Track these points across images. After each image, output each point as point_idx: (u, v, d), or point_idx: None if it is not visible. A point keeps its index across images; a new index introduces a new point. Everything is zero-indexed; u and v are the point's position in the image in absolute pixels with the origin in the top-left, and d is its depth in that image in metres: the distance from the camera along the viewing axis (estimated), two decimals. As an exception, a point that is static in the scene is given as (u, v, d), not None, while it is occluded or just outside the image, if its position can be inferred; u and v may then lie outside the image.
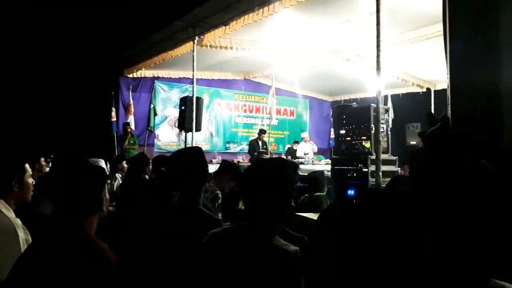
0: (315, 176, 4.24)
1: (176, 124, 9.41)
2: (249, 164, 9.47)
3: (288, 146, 11.75)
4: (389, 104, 10.07)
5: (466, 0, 2.40)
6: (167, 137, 10.99)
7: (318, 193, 3.99)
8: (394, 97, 10.58)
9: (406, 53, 7.90)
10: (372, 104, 5.32)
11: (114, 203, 3.58)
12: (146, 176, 3.80)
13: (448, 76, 2.53)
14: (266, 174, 1.55)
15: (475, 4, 2.33)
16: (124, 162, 6.00)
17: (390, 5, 5.50)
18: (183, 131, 8.45)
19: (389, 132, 5.85)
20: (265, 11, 6.04)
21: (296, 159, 10.04)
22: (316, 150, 10.95)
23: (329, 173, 6.01)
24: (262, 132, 10.29)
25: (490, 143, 2.21)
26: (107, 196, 1.62)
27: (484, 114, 2.24)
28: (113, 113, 10.29)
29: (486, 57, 2.30)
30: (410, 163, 2.23)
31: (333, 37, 7.74)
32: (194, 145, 8.16)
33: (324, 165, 8.51)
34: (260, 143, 10.08)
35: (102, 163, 3.01)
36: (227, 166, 3.69)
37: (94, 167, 1.73)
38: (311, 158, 10.11)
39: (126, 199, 3.42)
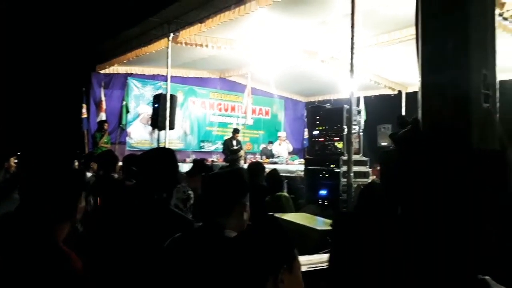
0: (271, 175, 4.19)
1: (149, 122, 9.25)
2: (224, 163, 9.46)
3: (262, 146, 11.76)
4: (362, 106, 10.23)
5: (437, 4, 2.44)
6: (140, 135, 10.79)
7: (279, 193, 3.96)
8: (367, 99, 10.75)
9: (380, 55, 8.04)
10: (345, 106, 5.39)
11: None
12: (115, 175, 3.71)
13: (420, 78, 2.57)
14: (216, 180, 1.67)
15: (447, 8, 2.37)
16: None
17: (365, 7, 5.58)
18: (156, 129, 8.31)
19: (361, 133, 5.95)
20: (241, 10, 6.01)
21: (271, 159, 10.07)
22: (291, 149, 11.00)
23: (303, 173, 6.04)
24: (236, 131, 10.26)
25: (459, 145, 2.26)
26: (83, 203, 1.56)
27: (453, 116, 2.28)
28: (84, 110, 10.02)
29: (456, 60, 2.34)
30: (382, 165, 2.26)
31: (308, 38, 7.79)
32: (167, 143, 8.05)
33: (297, 165, 8.56)
34: (234, 142, 10.04)
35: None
36: (199, 166, 3.65)
37: (74, 171, 1.66)
38: (285, 158, 10.15)
39: (94, 199, 3.32)
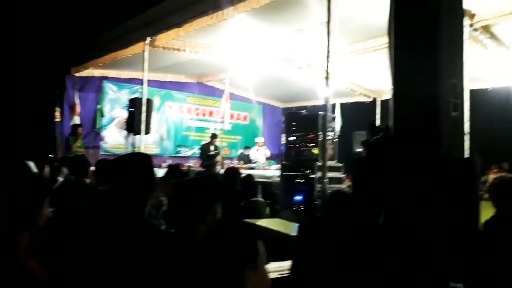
0: (246, 180, 4.15)
1: (125, 126, 9.10)
2: (200, 168, 9.39)
3: (240, 151, 11.74)
4: (338, 112, 10.36)
5: (409, 15, 2.51)
6: (115, 139, 10.59)
7: (254, 199, 3.94)
8: (343, 106, 10.91)
9: (355, 63, 8.18)
10: (320, 112, 5.45)
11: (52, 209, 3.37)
12: (87, 180, 3.62)
13: (392, 87, 2.63)
14: (189, 187, 1.69)
15: (418, 20, 2.44)
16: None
17: (341, 16, 5.67)
18: (131, 133, 8.19)
19: (337, 140, 6.02)
20: (219, 16, 6.01)
21: (248, 164, 10.06)
22: (268, 155, 11.01)
23: (279, 179, 6.06)
24: (214, 136, 10.22)
25: (429, 152, 2.31)
26: (47, 210, 1.50)
27: (423, 124, 2.33)
28: (57, 113, 9.78)
29: (426, 69, 2.41)
30: (354, 171, 2.28)
31: (285, 45, 7.86)
32: (143, 148, 7.95)
33: (274, 171, 8.58)
34: (212, 147, 9.99)
35: (31, 165, 2.81)
36: (174, 171, 3.60)
37: (36, 177, 1.60)
38: (262, 163, 10.17)
39: (64, 205, 3.22)
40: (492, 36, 6.40)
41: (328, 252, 1.28)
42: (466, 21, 5.91)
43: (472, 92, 6.41)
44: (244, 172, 5.55)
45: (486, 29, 6.20)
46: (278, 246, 2.69)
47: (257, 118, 13.54)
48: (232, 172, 4.29)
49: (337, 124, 10.11)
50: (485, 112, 8.10)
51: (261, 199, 3.99)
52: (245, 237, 1.17)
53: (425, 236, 2.02)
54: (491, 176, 7.85)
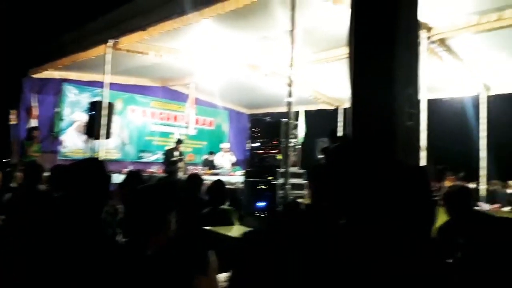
0: (215, 187, 3.93)
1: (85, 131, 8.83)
2: (163, 174, 9.23)
3: (204, 156, 11.65)
4: (302, 120, 10.50)
5: (367, 28, 2.59)
6: (74, 143, 10.25)
7: (223, 207, 3.81)
8: (308, 113, 11.06)
9: (319, 71, 8.34)
10: (282, 119, 5.50)
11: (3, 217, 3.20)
12: (41, 186, 3.48)
13: (350, 96, 2.69)
14: (144, 196, 1.67)
15: (375, 32, 2.52)
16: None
17: (305, 25, 5.77)
18: (91, 138, 7.95)
19: (300, 147, 6.10)
20: (183, 20, 5.97)
21: (213, 170, 9.99)
22: (234, 160, 10.98)
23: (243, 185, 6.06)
24: (179, 142, 10.09)
25: (385, 160, 2.39)
26: None
27: (379, 133, 2.41)
28: (13, 116, 9.35)
29: (383, 80, 2.49)
30: (311, 178, 2.32)
31: (251, 51, 7.91)
32: (103, 153, 7.74)
33: (239, 177, 8.58)
34: (176, 153, 9.86)
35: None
36: (133, 178, 3.51)
37: None
38: (227, 169, 10.13)
39: (17, 212, 3.08)
40: (448, 48, 6.70)
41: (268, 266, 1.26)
42: (424, 34, 6.17)
43: (430, 101, 6.72)
44: (211, 179, 5.46)
45: (442, 42, 6.49)
46: (235, 252, 2.68)
47: (223, 124, 13.51)
48: (194, 179, 4.22)
49: (301, 131, 10.24)
50: (442, 121, 8.45)
51: (229, 207, 3.85)
52: (195, 247, 1.16)
53: (382, 241, 2.06)
54: (447, 184, 8.19)
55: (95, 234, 1.82)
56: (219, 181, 4.06)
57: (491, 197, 7.62)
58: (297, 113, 9.54)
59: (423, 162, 6.13)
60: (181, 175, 9.05)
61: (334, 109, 10.26)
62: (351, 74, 2.74)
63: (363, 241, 1.98)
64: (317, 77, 8.78)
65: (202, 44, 7.56)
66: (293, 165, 5.49)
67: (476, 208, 3.81)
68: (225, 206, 3.84)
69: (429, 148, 6.20)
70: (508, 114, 8.86)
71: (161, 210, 1.58)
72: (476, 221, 2.75)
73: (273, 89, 9.69)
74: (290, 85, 4.88)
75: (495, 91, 8.12)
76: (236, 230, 3.29)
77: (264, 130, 6.02)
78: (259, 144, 5.97)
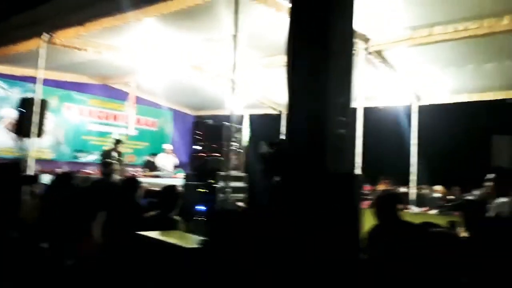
0: (166, 192, 3.71)
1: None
2: (99, 176, 8.83)
3: (146, 157, 11.32)
4: (247, 123, 10.55)
5: (304, 39, 2.66)
6: (2, 142, 9.55)
7: (170, 215, 3.55)
8: (253, 117, 11.11)
9: (264, 76, 8.44)
10: (225, 123, 5.49)
11: None
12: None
13: (286, 103, 2.74)
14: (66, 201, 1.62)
15: (310, 42, 2.59)
16: None
17: (251, 30, 5.82)
18: (20, 136, 7.42)
19: (242, 150, 6.12)
20: (125, 18, 5.78)
21: (155, 172, 9.74)
22: (177, 163, 10.77)
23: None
24: (118, 142, 9.71)
25: (314, 167, 2.45)
26: None
27: (310, 140, 2.47)
28: None
29: (316, 89, 2.56)
30: (248, 183, 2.34)
31: (195, 53, 7.84)
32: (35, 153, 7.28)
33: (181, 179, 8.42)
34: (115, 153, 9.48)
35: None
36: (60, 180, 3.32)
37: None
38: (170, 172, 9.92)
39: None
40: (384, 60, 7.07)
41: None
42: (362, 45, 6.47)
43: (367, 109, 7.03)
44: (151, 181, 5.26)
45: (379, 53, 6.84)
46: (169, 258, 2.62)
47: (167, 125, 13.22)
48: (131, 181, 4.05)
49: (245, 135, 10.28)
50: (378, 128, 8.88)
51: (176, 217, 3.62)
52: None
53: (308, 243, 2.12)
54: (380, 187, 8.62)
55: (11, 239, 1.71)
56: (170, 186, 3.83)
57: (421, 201, 8.12)
58: (241, 117, 9.57)
59: (358, 166, 6.43)
60: (117, 177, 8.72)
61: (278, 114, 10.42)
62: (288, 82, 2.79)
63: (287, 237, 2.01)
64: (264, 82, 8.88)
65: (145, 43, 7.37)
66: (235, 169, 5.50)
67: (402, 212, 4.00)
68: (173, 214, 3.61)
69: (365, 154, 6.51)
70: (437, 123, 9.51)
71: (82, 217, 1.51)
72: (398, 226, 2.92)
73: (218, 92, 9.66)
74: (233, 88, 4.89)
75: (426, 101, 8.68)
76: (173, 235, 3.21)
77: (207, 133, 5.98)
78: (201, 146, 5.92)
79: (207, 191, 5.32)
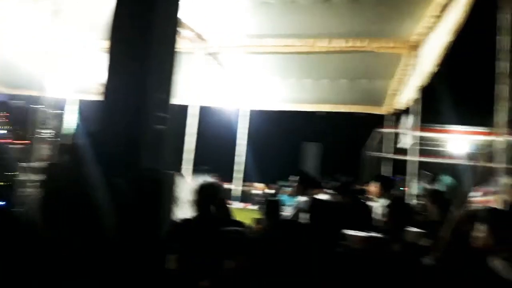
0: None
1: None
2: None
3: None
4: (76, 109, 9.55)
5: (125, 31, 2.53)
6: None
7: None
8: (83, 103, 10.09)
9: (100, 60, 7.73)
10: (39, 106, 4.79)
11: None
12: None
13: (104, 91, 2.57)
14: None
15: (131, 36, 2.49)
16: None
17: (82, 6, 5.27)
18: None
19: (58, 139, 5.45)
20: None
21: None
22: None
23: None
24: None
25: (128, 164, 2.35)
26: None
27: (126, 134, 2.36)
28: None
29: (135, 82, 2.46)
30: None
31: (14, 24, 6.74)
32: None
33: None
34: None
35: None
36: None
37: None
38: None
39: None
40: (221, 63, 7.32)
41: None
42: (201, 45, 6.55)
43: (202, 108, 7.17)
44: None
45: (215, 55, 7.04)
46: None
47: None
48: None
49: (72, 122, 9.25)
50: (212, 127, 9.20)
51: None
52: None
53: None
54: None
55: None
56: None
57: (244, 197, 8.80)
58: (64, 100, 8.59)
59: (189, 163, 6.51)
60: None
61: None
62: (108, 70, 2.64)
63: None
64: (99, 66, 8.12)
65: None
66: (46, 160, 4.86)
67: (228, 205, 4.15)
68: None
69: (198, 151, 6.64)
70: (264, 127, 10.40)
71: None
72: (207, 220, 3.03)
73: (37, 70, 8.35)
74: (54, 68, 4.37)
75: (257, 106, 9.38)
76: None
77: (14, 116, 5.17)
78: (5, 131, 5.09)
79: (5, 184, 4.59)
